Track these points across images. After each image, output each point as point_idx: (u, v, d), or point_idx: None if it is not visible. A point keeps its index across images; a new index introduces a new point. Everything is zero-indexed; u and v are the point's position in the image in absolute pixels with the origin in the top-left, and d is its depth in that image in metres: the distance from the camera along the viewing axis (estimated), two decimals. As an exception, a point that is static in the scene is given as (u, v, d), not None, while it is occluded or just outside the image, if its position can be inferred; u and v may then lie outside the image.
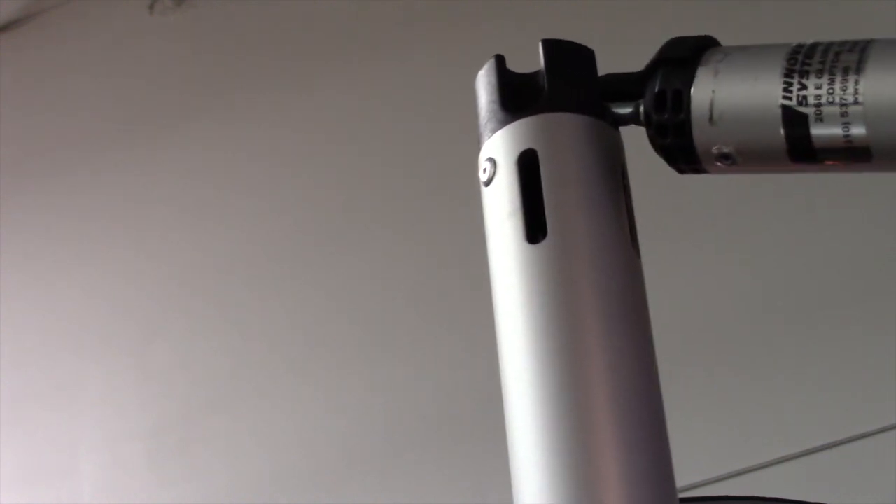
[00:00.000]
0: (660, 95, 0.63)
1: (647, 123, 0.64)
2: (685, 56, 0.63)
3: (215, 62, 2.27)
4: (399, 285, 1.92)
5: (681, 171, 0.65)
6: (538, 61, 0.66)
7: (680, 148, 0.63)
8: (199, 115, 2.21)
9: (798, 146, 0.61)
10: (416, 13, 2.15)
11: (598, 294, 0.60)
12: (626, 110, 0.65)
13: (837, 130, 0.60)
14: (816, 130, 0.61)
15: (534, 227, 0.62)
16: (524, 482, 0.57)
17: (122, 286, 2.10)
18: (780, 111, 0.61)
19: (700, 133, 0.63)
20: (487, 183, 0.65)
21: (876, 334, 1.62)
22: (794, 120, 0.61)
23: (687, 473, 1.62)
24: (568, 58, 0.66)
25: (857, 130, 0.60)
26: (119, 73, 2.32)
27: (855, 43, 0.61)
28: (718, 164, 0.63)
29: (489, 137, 0.65)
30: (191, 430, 1.93)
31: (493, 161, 0.64)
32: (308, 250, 2.01)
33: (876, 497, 1.51)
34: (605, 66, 0.66)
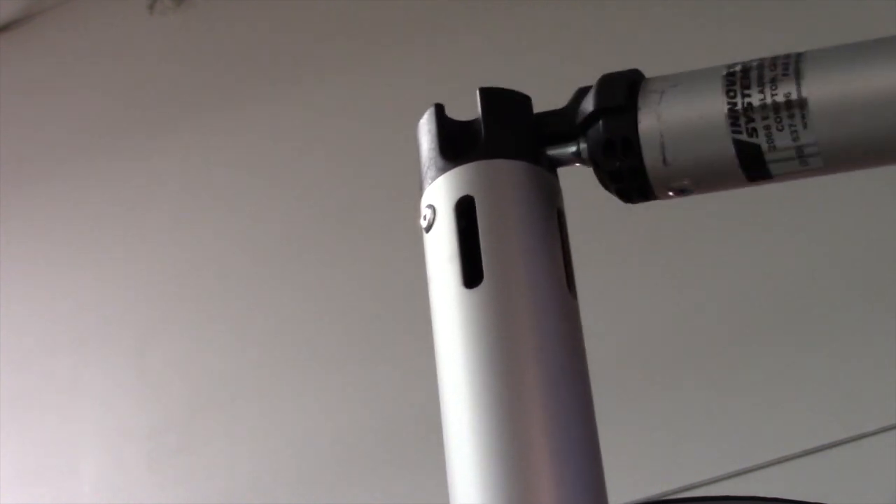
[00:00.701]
0: (608, 144, 0.64)
1: (597, 167, 0.65)
2: (621, 104, 0.64)
3: (215, 62, 2.27)
4: (398, 285, 1.92)
5: (630, 202, 0.67)
6: (520, 75, 0.66)
7: (635, 188, 0.65)
8: (198, 115, 2.21)
9: (754, 172, 0.64)
10: (417, 14, 2.15)
11: (532, 337, 0.61)
12: (566, 151, 0.66)
13: (791, 154, 0.63)
14: (771, 156, 0.63)
15: (471, 272, 0.63)
16: None
17: (122, 286, 2.10)
18: (733, 147, 0.63)
19: (655, 174, 0.64)
20: (428, 229, 0.66)
21: (876, 334, 1.62)
22: (748, 152, 0.63)
23: (687, 473, 1.62)
24: (504, 105, 0.67)
25: (811, 150, 0.62)
26: (119, 73, 2.32)
27: (787, 56, 0.63)
28: (673, 194, 0.65)
29: (430, 184, 0.67)
30: (191, 430, 1.93)
31: (432, 208, 0.66)
32: (307, 251, 2.01)
33: (876, 497, 1.51)
34: (592, 77, 0.67)
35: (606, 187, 0.66)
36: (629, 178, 0.64)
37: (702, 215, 1.80)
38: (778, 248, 1.75)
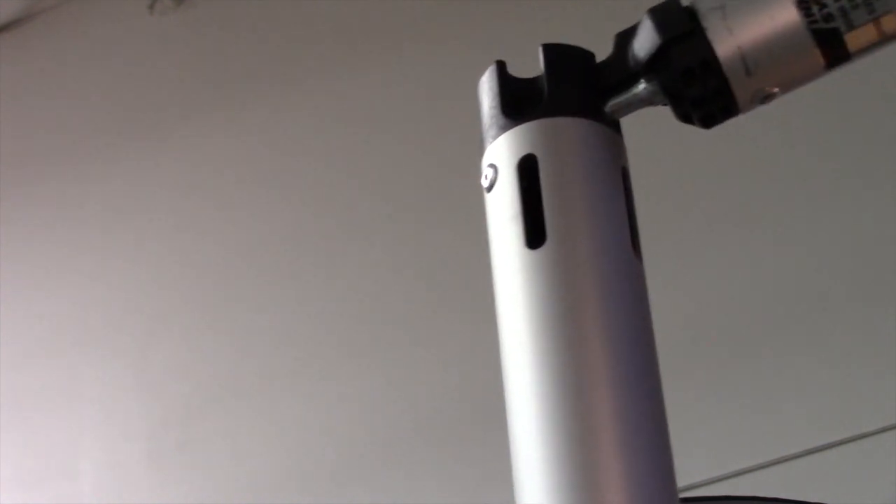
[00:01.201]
0: (688, 72, 0.63)
1: (674, 100, 0.64)
2: (688, 29, 0.63)
3: (215, 62, 2.27)
4: (400, 287, 1.92)
5: (712, 125, 0.65)
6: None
7: (722, 109, 0.64)
8: (198, 114, 2.21)
9: (836, 58, 0.63)
10: (419, 12, 2.15)
11: (597, 299, 0.60)
12: (632, 95, 0.65)
13: (870, 28, 0.62)
14: (850, 36, 0.62)
15: (534, 232, 0.61)
16: (527, 486, 0.57)
17: (122, 287, 2.10)
18: (812, 37, 0.62)
19: (740, 88, 0.63)
20: (489, 188, 0.65)
21: (876, 334, 1.62)
22: (828, 38, 0.62)
23: (687, 473, 1.62)
24: (568, 62, 0.65)
25: (888, 19, 0.62)
26: (119, 73, 2.32)
27: None
28: (759, 104, 0.64)
29: (491, 143, 0.65)
30: (191, 430, 1.93)
31: (494, 167, 0.64)
32: (308, 251, 2.01)
33: (876, 497, 1.51)
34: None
35: (686, 118, 0.64)
36: (714, 101, 0.63)
37: (702, 216, 1.80)
38: (778, 248, 1.75)
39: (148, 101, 2.26)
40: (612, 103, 0.65)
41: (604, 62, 0.66)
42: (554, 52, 0.65)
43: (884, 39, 0.62)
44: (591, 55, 0.66)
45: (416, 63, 2.09)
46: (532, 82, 0.66)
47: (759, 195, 1.81)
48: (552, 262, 0.61)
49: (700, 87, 0.63)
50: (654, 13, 0.64)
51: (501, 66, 0.67)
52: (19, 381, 2.07)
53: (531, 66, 0.66)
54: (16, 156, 2.29)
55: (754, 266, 1.76)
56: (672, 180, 1.82)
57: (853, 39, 0.62)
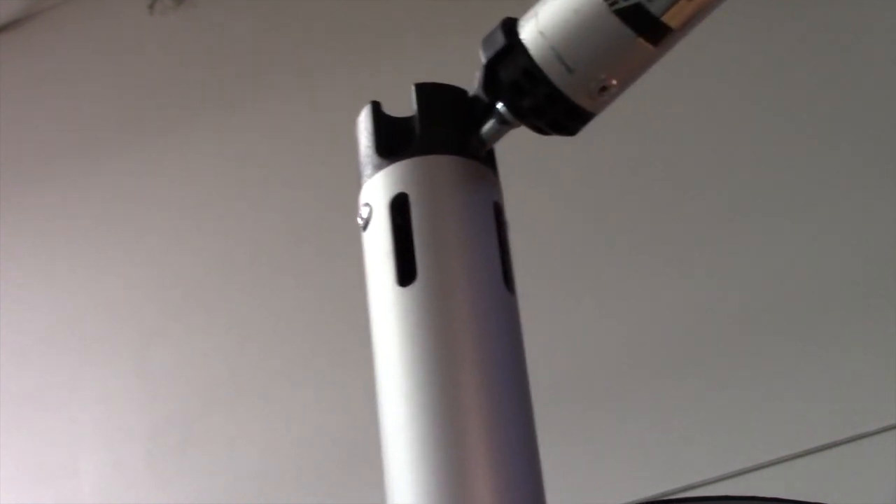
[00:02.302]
0: (514, 86, 0.63)
1: (520, 115, 0.64)
2: (504, 44, 0.64)
3: (215, 62, 2.27)
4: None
5: (575, 131, 0.65)
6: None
7: (563, 112, 0.64)
8: (198, 115, 2.21)
9: (651, 31, 0.63)
10: (417, 16, 2.15)
11: (466, 333, 0.60)
12: (492, 122, 0.65)
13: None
14: (655, 5, 0.63)
15: (405, 270, 0.63)
16: None
17: (122, 287, 2.10)
18: (616, 19, 0.62)
19: (569, 88, 0.63)
20: (365, 226, 0.66)
21: (876, 334, 1.62)
22: (632, 14, 0.62)
23: (687, 473, 1.61)
24: (439, 100, 0.67)
25: None
26: (119, 73, 2.32)
27: None
28: (600, 99, 0.64)
29: (367, 182, 0.67)
30: (190, 430, 1.93)
31: (368, 206, 0.66)
32: (307, 251, 2.01)
33: (876, 497, 1.51)
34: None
35: (542, 131, 0.65)
36: (550, 106, 0.63)
37: (702, 215, 1.80)
38: (778, 248, 1.75)
39: (148, 100, 2.26)
40: (482, 133, 0.66)
41: (472, 95, 0.67)
42: (426, 92, 0.67)
43: (705, 5, 0.63)
44: (462, 92, 0.67)
45: (417, 64, 2.09)
46: (406, 122, 0.67)
47: (760, 195, 1.81)
48: (422, 299, 0.62)
49: (532, 96, 0.63)
50: (484, 39, 0.66)
51: (376, 107, 0.69)
52: (19, 381, 2.07)
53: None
54: (16, 155, 2.29)
55: (754, 266, 1.76)
56: (673, 180, 1.82)
57: (658, 7, 0.63)
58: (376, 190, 0.66)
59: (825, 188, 1.77)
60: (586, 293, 1.80)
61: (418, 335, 0.61)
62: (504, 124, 0.65)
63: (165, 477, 1.91)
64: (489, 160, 0.66)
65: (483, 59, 0.64)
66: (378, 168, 0.66)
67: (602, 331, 1.76)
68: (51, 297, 2.14)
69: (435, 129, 0.66)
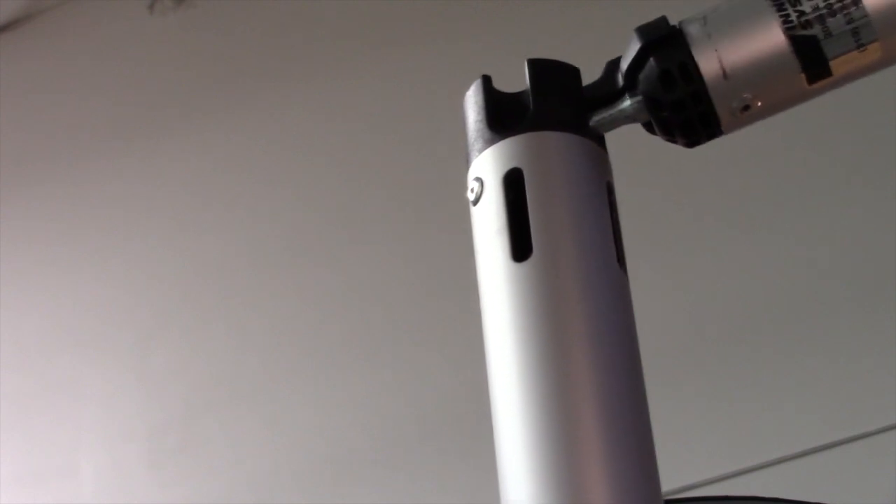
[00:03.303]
0: (664, 75, 0.63)
1: (655, 108, 0.64)
2: (667, 33, 0.64)
3: (215, 62, 2.27)
4: (398, 287, 1.92)
5: (696, 143, 0.65)
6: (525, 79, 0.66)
7: (700, 116, 0.64)
8: (198, 115, 2.21)
9: (814, 68, 0.62)
10: (417, 13, 2.15)
11: (582, 311, 0.60)
12: (614, 110, 0.65)
13: (848, 39, 0.62)
14: (828, 46, 0.62)
15: (520, 245, 0.62)
16: (513, 493, 0.58)
17: (122, 287, 2.10)
18: (787, 41, 0.62)
19: (717, 93, 0.63)
20: (475, 202, 0.65)
21: (876, 334, 1.62)
22: (805, 44, 0.62)
23: (687, 473, 1.61)
24: (553, 76, 0.66)
25: (866, 32, 0.61)
26: (119, 73, 2.32)
27: None
28: (739, 116, 0.64)
29: (476, 157, 0.66)
30: (191, 430, 1.93)
31: (480, 180, 0.65)
32: (307, 252, 2.01)
33: (876, 497, 1.51)
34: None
35: (667, 133, 0.65)
36: (692, 106, 0.63)
37: (702, 215, 1.80)
38: (778, 248, 1.75)
39: (148, 101, 2.26)
40: (597, 118, 0.65)
41: (594, 81, 0.66)
42: (539, 67, 0.66)
43: (863, 54, 0.62)
44: (576, 70, 0.67)
45: (418, 64, 2.09)
46: (517, 97, 0.66)
47: (760, 194, 1.81)
48: (538, 275, 0.61)
49: (678, 90, 0.63)
50: (640, 27, 0.65)
51: (487, 81, 0.67)
52: (19, 381, 2.07)
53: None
54: (16, 156, 2.29)
55: (754, 265, 1.76)
56: (673, 179, 1.82)
57: (831, 51, 0.62)
58: (488, 165, 0.65)
59: (826, 188, 1.77)
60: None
61: (535, 309, 0.60)
62: (627, 117, 0.65)
63: (165, 477, 1.91)
64: (601, 140, 0.66)
65: (638, 42, 0.64)
66: (490, 143, 0.65)
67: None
68: (51, 297, 2.14)
69: (549, 105, 0.65)
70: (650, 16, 0.66)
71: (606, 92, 0.66)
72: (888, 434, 1.56)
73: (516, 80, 0.68)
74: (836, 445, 1.58)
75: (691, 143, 0.65)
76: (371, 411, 1.85)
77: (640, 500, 0.57)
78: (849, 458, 1.57)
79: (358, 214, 2.01)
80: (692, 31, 0.63)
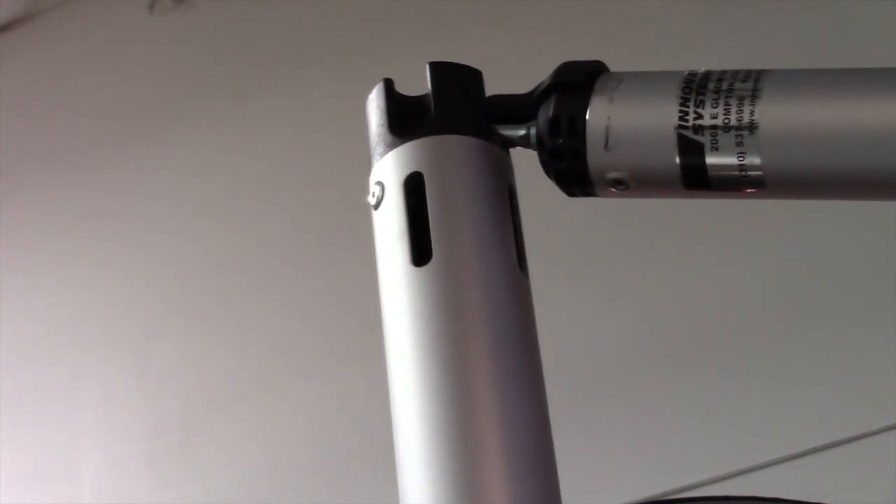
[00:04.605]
0: (554, 121, 0.63)
1: (540, 147, 0.64)
2: (579, 81, 0.63)
3: (215, 62, 2.27)
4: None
5: (571, 194, 0.65)
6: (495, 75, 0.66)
7: (573, 173, 0.63)
8: (198, 114, 2.21)
9: (693, 174, 0.61)
10: (417, 15, 2.15)
11: (481, 315, 0.60)
12: (516, 133, 0.65)
13: (732, 159, 0.60)
14: (712, 159, 0.61)
15: (420, 250, 0.62)
16: (412, 501, 0.58)
17: (122, 286, 2.10)
18: (675, 138, 0.61)
19: (595, 159, 0.62)
20: (376, 206, 0.66)
21: (875, 334, 1.62)
22: (690, 147, 0.61)
23: (687, 473, 1.62)
24: (455, 80, 0.66)
25: (752, 159, 0.60)
26: (119, 73, 2.32)
27: (748, 72, 0.62)
28: (611, 189, 0.63)
29: (378, 161, 0.66)
30: (191, 430, 1.93)
31: (381, 184, 0.65)
32: (308, 250, 2.01)
33: (876, 497, 1.51)
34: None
35: (547, 172, 0.64)
36: (568, 160, 0.63)
37: (703, 214, 1.80)
38: (778, 247, 1.75)
39: (148, 100, 2.26)
40: (507, 133, 0.65)
41: (511, 94, 0.66)
42: (440, 70, 0.66)
43: (744, 179, 0.61)
44: (478, 73, 0.67)
45: (416, 62, 2.09)
46: (419, 100, 0.66)
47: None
48: (438, 278, 0.61)
49: (560, 140, 0.63)
50: (565, 64, 0.64)
51: (389, 84, 0.68)
52: (19, 381, 2.07)
53: (538, 67, 0.66)
54: (15, 156, 2.29)
55: (754, 265, 1.76)
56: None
57: (713, 166, 0.61)
58: (389, 169, 0.65)
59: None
60: (584, 290, 1.80)
61: (435, 313, 0.60)
62: (521, 140, 0.65)
63: (165, 477, 1.91)
64: (503, 144, 0.66)
65: (549, 80, 0.64)
66: (391, 146, 0.65)
67: (600, 330, 1.76)
68: (51, 296, 2.14)
69: (451, 108, 0.65)
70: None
71: (518, 110, 0.65)
72: (888, 434, 1.56)
73: (516, 80, 0.68)
74: (836, 445, 1.58)
75: (566, 192, 0.65)
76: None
77: None
78: (849, 458, 1.57)
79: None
80: (602, 87, 0.63)
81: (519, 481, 0.57)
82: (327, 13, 2.24)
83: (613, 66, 0.67)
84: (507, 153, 0.66)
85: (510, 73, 0.74)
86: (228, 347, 1.98)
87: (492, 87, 0.67)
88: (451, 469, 0.57)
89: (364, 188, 2.21)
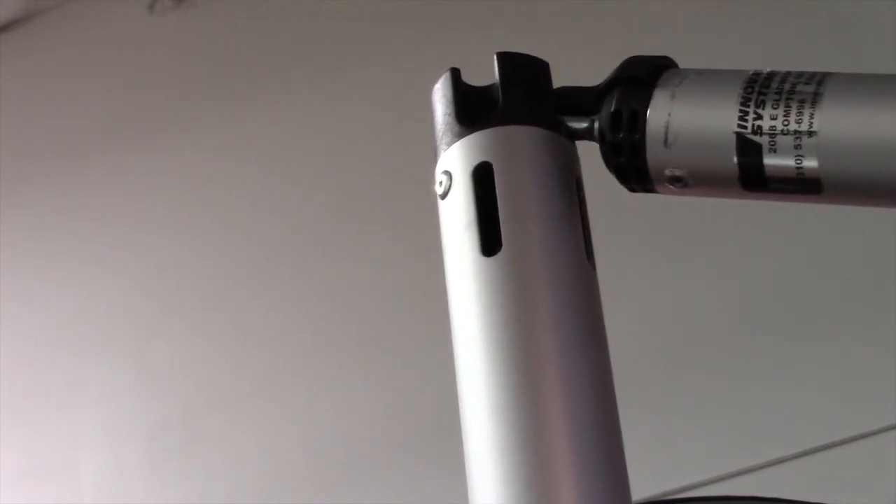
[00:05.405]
0: (615, 115, 0.63)
1: (602, 141, 0.64)
2: (643, 77, 0.63)
3: (215, 62, 2.27)
4: (399, 286, 1.92)
5: (632, 189, 0.65)
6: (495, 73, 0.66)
7: (633, 168, 0.64)
8: (198, 114, 2.21)
9: (750, 174, 0.62)
10: (417, 15, 2.15)
11: (551, 305, 0.60)
12: (580, 125, 0.65)
13: (790, 161, 0.61)
14: (769, 160, 0.61)
15: (489, 240, 0.62)
16: (481, 495, 0.58)
17: (122, 286, 2.10)
18: (734, 138, 0.61)
19: (654, 155, 0.63)
20: (443, 196, 0.66)
21: (875, 334, 1.62)
22: (748, 148, 0.61)
23: (687, 473, 1.62)
24: (522, 70, 0.66)
25: (810, 163, 0.60)
26: (118, 74, 2.32)
27: (812, 75, 0.62)
28: (670, 185, 0.64)
29: (445, 150, 0.66)
30: (191, 430, 1.93)
31: (448, 174, 0.65)
32: (308, 250, 2.01)
33: (876, 497, 1.51)
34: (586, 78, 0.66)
35: (608, 166, 0.65)
36: (628, 155, 0.63)
37: (703, 213, 1.80)
38: (778, 247, 1.75)
39: (148, 101, 2.26)
40: (574, 125, 0.66)
41: (577, 86, 0.66)
42: (508, 60, 0.66)
43: (801, 181, 0.61)
44: (545, 64, 0.67)
45: (423, 60, 2.09)
46: (487, 90, 0.66)
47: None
48: (507, 269, 0.61)
49: (621, 134, 0.63)
50: (630, 58, 0.65)
51: (456, 74, 0.67)
52: (19, 381, 2.07)
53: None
54: (15, 156, 2.29)
55: (754, 264, 1.76)
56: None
57: (770, 167, 0.61)
58: (457, 158, 0.65)
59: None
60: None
61: (504, 303, 0.60)
62: (585, 133, 0.65)
63: (166, 477, 1.91)
64: (570, 136, 0.66)
65: (613, 73, 0.64)
66: (458, 136, 0.65)
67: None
68: (51, 296, 2.14)
69: (519, 99, 0.65)
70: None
71: (584, 102, 0.65)
72: (888, 434, 1.56)
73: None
74: (836, 445, 1.58)
75: (626, 186, 0.65)
76: (372, 410, 1.85)
77: (608, 500, 0.57)
78: (849, 458, 1.57)
79: (358, 213, 2.01)
80: (665, 83, 0.63)
81: (590, 484, 0.57)
82: (327, 14, 2.24)
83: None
84: (573, 144, 0.66)
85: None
86: (227, 347, 1.98)
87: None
88: (521, 470, 0.57)
89: (362, 189, 2.22)
